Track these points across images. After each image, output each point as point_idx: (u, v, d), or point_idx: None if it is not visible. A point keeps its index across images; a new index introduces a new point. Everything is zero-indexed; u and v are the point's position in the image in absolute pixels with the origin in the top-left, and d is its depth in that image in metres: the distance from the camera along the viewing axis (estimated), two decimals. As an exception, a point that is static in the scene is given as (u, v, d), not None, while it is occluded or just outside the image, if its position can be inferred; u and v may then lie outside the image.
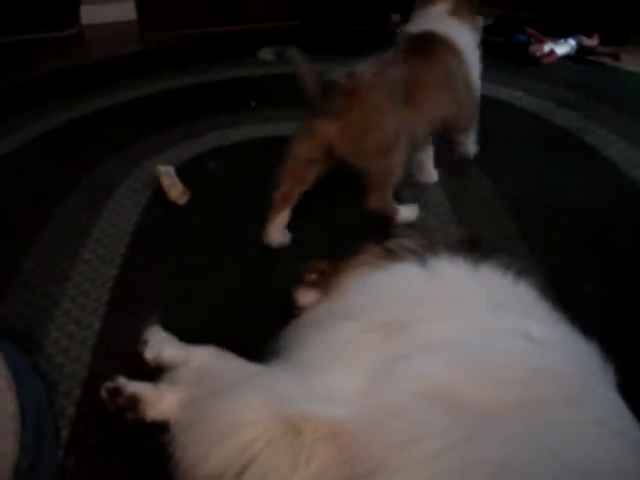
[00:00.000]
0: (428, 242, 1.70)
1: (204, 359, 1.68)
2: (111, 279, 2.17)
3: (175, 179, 2.59)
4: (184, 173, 2.69)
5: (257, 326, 1.91)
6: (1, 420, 1.47)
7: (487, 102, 3.39)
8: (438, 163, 2.74)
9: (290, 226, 2.37)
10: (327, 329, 1.51)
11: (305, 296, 1.85)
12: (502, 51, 4.13)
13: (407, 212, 2.43)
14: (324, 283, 1.80)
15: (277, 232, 2.32)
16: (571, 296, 1.91)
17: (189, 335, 1.91)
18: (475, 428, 1.17)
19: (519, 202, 2.56)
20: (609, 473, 1.12)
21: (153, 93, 3.71)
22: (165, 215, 2.52)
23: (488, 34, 4.34)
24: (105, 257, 2.28)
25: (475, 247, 1.66)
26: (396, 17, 4.90)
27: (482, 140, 3.02)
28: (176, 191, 2.55)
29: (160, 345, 1.76)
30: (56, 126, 3.32)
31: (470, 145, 2.72)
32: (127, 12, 5.00)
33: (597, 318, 1.90)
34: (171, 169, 2.65)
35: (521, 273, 1.56)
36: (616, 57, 3.99)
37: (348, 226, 2.41)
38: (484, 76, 3.65)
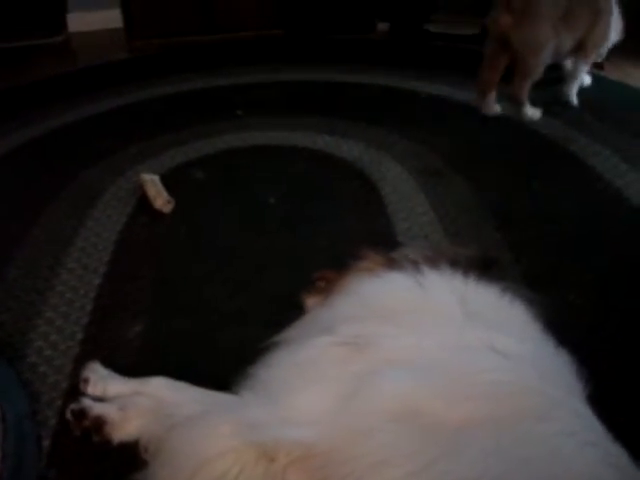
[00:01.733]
0: (433, 255, 1.70)
1: (158, 389, 1.63)
2: (95, 288, 2.16)
3: (160, 187, 2.59)
4: (169, 182, 2.68)
5: (240, 336, 1.92)
6: (-18, 430, 1.46)
7: (473, 111, 3.45)
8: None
9: (278, 239, 2.38)
10: (298, 345, 1.51)
11: (312, 302, 1.85)
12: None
13: (533, 111, 3.38)
14: (327, 289, 1.80)
15: (492, 105, 3.40)
16: (554, 305, 1.91)
17: (172, 344, 1.92)
18: (445, 447, 1.17)
19: (503, 211, 2.57)
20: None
21: (138, 101, 3.71)
22: (150, 224, 2.51)
23: (475, 43, 4.41)
24: (89, 266, 2.27)
25: (487, 267, 1.66)
26: (382, 25, 4.92)
27: (467, 149, 3.06)
28: (161, 200, 2.54)
29: (104, 381, 1.71)
30: (41, 134, 3.31)
31: (575, 86, 3.56)
32: (114, 20, 4.98)
33: (579, 326, 1.90)
34: (156, 177, 2.64)
35: (509, 288, 1.56)
36: (600, 66, 4.01)
37: (344, 240, 2.38)
38: (470, 86, 3.70)
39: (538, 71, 3.29)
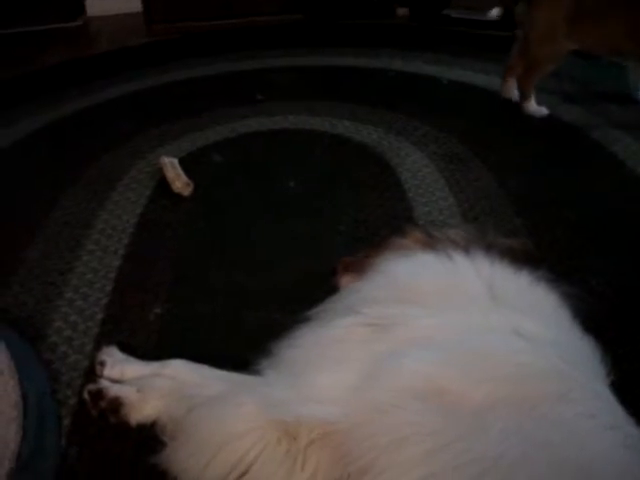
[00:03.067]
0: (471, 239, 1.70)
1: (179, 371, 1.64)
2: (115, 270, 2.17)
3: (179, 170, 2.59)
4: (188, 165, 2.69)
5: (259, 317, 1.93)
6: (3, 408, 1.47)
7: (493, 96, 3.43)
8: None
9: (298, 222, 2.38)
10: (322, 326, 1.51)
11: (346, 280, 1.84)
12: (509, 46, 4.10)
13: (536, 108, 3.23)
14: (363, 264, 1.78)
15: (511, 90, 3.36)
16: (575, 291, 1.90)
17: (192, 327, 1.93)
18: (466, 427, 1.17)
19: (523, 197, 2.55)
20: (601, 466, 1.12)
21: (158, 85, 3.71)
22: (169, 206, 2.52)
23: (495, 29, 4.38)
24: (109, 248, 2.28)
25: (529, 260, 1.64)
26: (402, 10, 4.89)
27: (487, 135, 3.04)
28: (180, 183, 2.54)
29: (121, 364, 1.71)
30: (60, 117, 3.32)
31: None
32: (132, 4, 4.97)
33: (600, 312, 1.89)
34: (175, 160, 2.64)
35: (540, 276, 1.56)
36: (620, 54, 3.97)
37: (363, 224, 2.40)
38: (490, 71, 3.68)
39: (547, 65, 3.20)
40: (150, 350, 1.82)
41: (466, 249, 1.62)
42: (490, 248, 1.63)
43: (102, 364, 1.71)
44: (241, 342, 1.79)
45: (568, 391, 1.24)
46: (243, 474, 1.29)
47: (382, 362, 1.32)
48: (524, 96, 3.25)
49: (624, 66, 3.74)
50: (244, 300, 2.03)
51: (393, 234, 1.84)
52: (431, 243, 1.70)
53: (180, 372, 1.63)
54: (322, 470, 1.26)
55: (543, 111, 3.24)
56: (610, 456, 1.15)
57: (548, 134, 3.11)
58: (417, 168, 2.76)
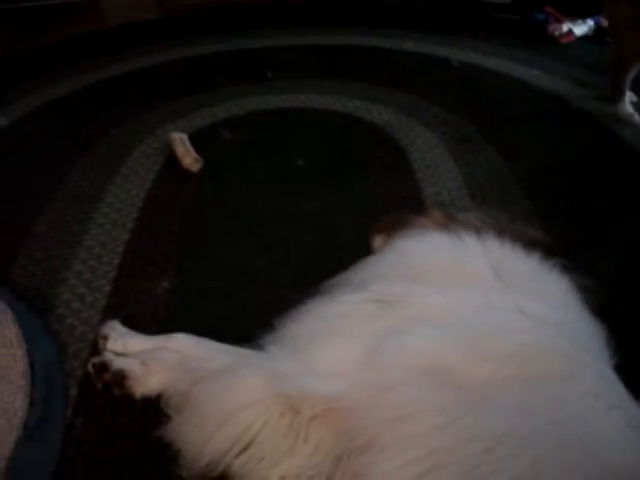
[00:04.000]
0: (492, 222, 1.72)
1: (183, 345, 1.64)
2: (123, 243, 2.18)
3: (189, 146, 2.59)
4: (198, 141, 2.68)
5: (268, 295, 1.93)
6: (11, 377, 1.48)
7: (504, 80, 3.43)
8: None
9: (306, 200, 2.40)
10: (328, 301, 1.52)
11: (375, 239, 1.88)
12: (520, 30, 4.10)
13: (627, 112, 3.03)
14: (395, 226, 1.82)
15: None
16: (582, 274, 1.90)
17: (199, 302, 1.93)
18: (471, 404, 1.18)
19: (533, 180, 2.54)
20: (605, 445, 1.13)
21: (169, 61, 3.71)
22: (178, 182, 2.52)
23: (507, 12, 4.36)
24: (117, 221, 2.29)
25: (543, 248, 1.65)
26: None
27: (498, 117, 3.03)
28: (189, 158, 2.55)
29: (125, 338, 1.72)
30: (71, 91, 3.34)
31: None
32: (144, -20, 4.97)
33: (606, 296, 1.89)
34: (185, 136, 2.64)
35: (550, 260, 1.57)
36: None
37: (372, 203, 2.39)
38: (501, 54, 3.67)
39: (633, 62, 2.96)
40: (157, 323, 1.83)
41: (478, 232, 1.63)
42: (503, 232, 1.64)
43: (105, 338, 1.71)
44: (247, 318, 1.79)
45: (573, 371, 1.25)
46: (246, 446, 1.30)
47: (387, 338, 1.33)
48: (614, 96, 3.06)
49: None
50: (251, 276, 2.03)
51: (415, 212, 1.87)
52: (447, 224, 1.72)
53: (184, 345, 1.64)
54: (324, 445, 1.27)
55: (635, 118, 3.02)
56: (614, 435, 1.16)
57: (559, 118, 3.09)
58: (427, 149, 2.75)
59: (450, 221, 1.75)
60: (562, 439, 1.12)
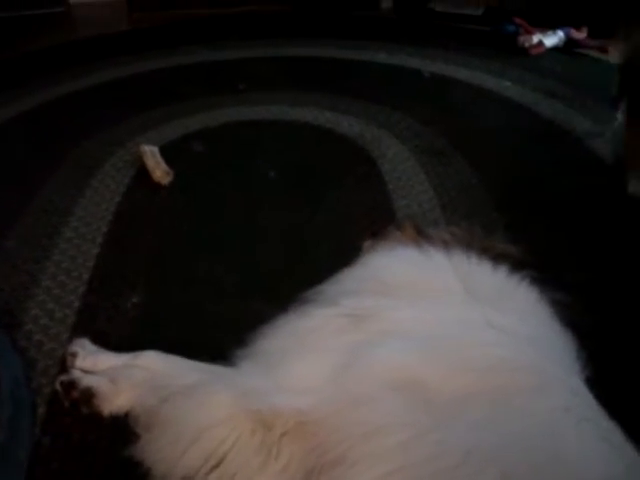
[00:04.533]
0: (464, 237, 1.72)
1: (152, 362, 1.63)
2: (93, 258, 2.16)
3: (159, 159, 2.58)
4: (169, 154, 2.67)
5: (238, 309, 1.91)
6: (-22, 394, 1.46)
7: (475, 91, 3.45)
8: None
9: (277, 213, 2.39)
10: (300, 316, 1.52)
11: (365, 243, 1.88)
12: (491, 41, 4.13)
13: None
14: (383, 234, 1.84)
15: None
16: (552, 286, 1.91)
17: (170, 316, 1.92)
18: (440, 418, 1.18)
19: (503, 192, 2.55)
20: (575, 458, 1.13)
21: (140, 73, 3.70)
22: (148, 195, 2.50)
23: (477, 24, 4.40)
24: (87, 235, 2.26)
25: (516, 264, 1.65)
26: (386, 3, 4.89)
27: (469, 129, 3.05)
28: (160, 171, 2.53)
29: (94, 355, 1.70)
30: (42, 103, 3.31)
31: None
32: (116, -9, 4.95)
33: (575, 307, 1.89)
34: (155, 149, 2.63)
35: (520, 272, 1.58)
36: (604, 50, 3.98)
37: (343, 216, 2.40)
38: (473, 65, 3.69)
39: None
40: (127, 339, 1.81)
41: (447, 246, 1.64)
42: (471, 246, 1.65)
43: (74, 355, 1.69)
44: (218, 332, 1.78)
45: (542, 384, 1.26)
46: (218, 464, 1.29)
47: (358, 352, 1.33)
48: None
49: (607, 62, 3.78)
50: (222, 290, 2.02)
51: (393, 226, 1.89)
52: (418, 239, 1.72)
53: (153, 362, 1.62)
54: (296, 461, 1.26)
55: None
56: (584, 448, 1.15)
57: (530, 130, 3.11)
58: (398, 161, 2.76)
59: (421, 235, 1.76)
60: (531, 453, 1.12)
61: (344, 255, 1.81)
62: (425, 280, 1.53)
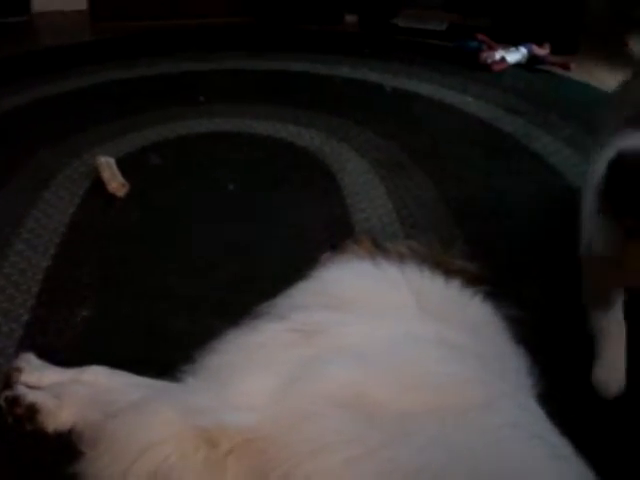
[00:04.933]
0: (422, 251, 1.70)
1: (98, 377, 1.60)
2: (43, 271, 2.11)
3: (115, 170, 2.54)
4: (126, 165, 2.63)
5: (189, 322, 1.89)
6: None
7: (436, 106, 3.45)
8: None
9: (235, 226, 2.36)
10: (249, 331, 1.48)
11: (323, 255, 1.85)
12: (453, 57, 4.15)
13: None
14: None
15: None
16: (509, 300, 1.90)
17: (120, 331, 1.89)
18: (389, 435, 1.15)
19: (463, 206, 2.55)
20: (523, 475, 1.12)
21: (100, 83, 3.65)
22: (103, 207, 2.46)
23: (440, 39, 4.42)
24: (38, 248, 2.21)
25: (471, 279, 1.63)
26: (351, 17, 4.89)
27: (430, 144, 3.05)
28: (115, 183, 2.49)
29: (39, 370, 1.65)
30: (1, 112, 3.24)
31: None
32: (78, 1, 4.90)
33: (532, 322, 1.89)
34: (112, 160, 2.59)
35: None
36: (566, 67, 4.03)
37: (301, 229, 2.39)
38: (435, 80, 3.70)
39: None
40: (76, 354, 1.77)
41: (401, 260, 1.62)
42: (425, 260, 1.63)
43: (19, 370, 1.64)
44: (168, 347, 1.75)
45: (492, 401, 1.24)
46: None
47: (304, 368, 1.31)
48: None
49: (568, 79, 3.81)
50: (175, 304, 1.99)
51: (351, 239, 1.86)
52: (375, 253, 1.70)
53: (99, 378, 1.59)
54: (242, 479, 1.23)
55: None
56: (533, 465, 1.14)
57: (490, 145, 3.12)
58: (358, 174, 2.75)
59: (378, 249, 1.74)
60: (479, 470, 1.10)
61: (301, 269, 1.78)
62: (377, 294, 1.51)
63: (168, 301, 2.00)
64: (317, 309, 1.49)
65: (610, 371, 1.79)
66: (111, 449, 1.31)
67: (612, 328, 1.88)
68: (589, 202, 1.81)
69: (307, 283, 1.67)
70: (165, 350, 1.73)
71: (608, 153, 1.62)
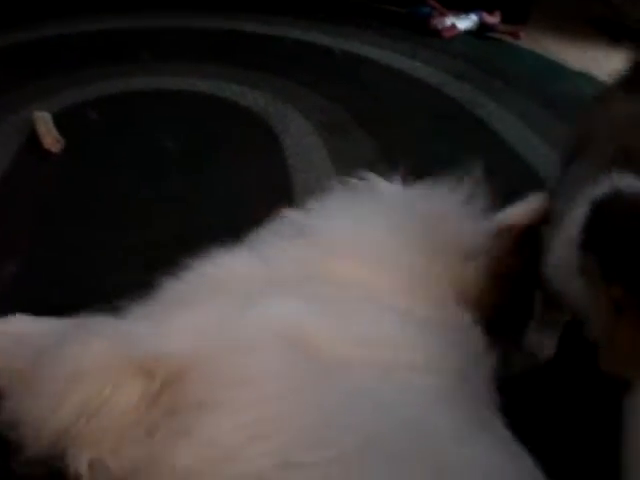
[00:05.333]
0: None
1: (22, 325, 1.56)
2: (-29, 225, 2.06)
3: (51, 126, 2.48)
4: (63, 121, 2.57)
5: (125, 276, 1.85)
6: None
7: (385, 71, 3.43)
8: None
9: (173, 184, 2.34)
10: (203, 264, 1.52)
11: None
12: (404, 22, 4.12)
13: None
14: None
15: None
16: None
17: (47, 284, 1.85)
18: (315, 379, 1.18)
19: (406, 170, 2.53)
20: (443, 437, 1.14)
21: (42, 38, 3.53)
22: (37, 162, 2.40)
23: (393, 4, 4.38)
24: (-33, 202, 2.16)
25: None
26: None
27: (376, 108, 3.02)
28: (50, 138, 2.43)
29: None
30: None
31: None
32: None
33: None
34: (47, 115, 2.53)
35: None
36: (516, 36, 4.02)
37: (240, 189, 2.36)
38: (385, 45, 3.67)
39: None
40: (2, 307, 1.72)
41: None
42: None
43: None
44: (97, 302, 1.71)
45: (425, 363, 1.27)
46: (93, 415, 1.19)
47: (255, 302, 1.32)
48: None
49: (518, 47, 3.82)
50: (107, 260, 1.96)
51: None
52: None
53: (22, 325, 1.55)
54: (172, 407, 1.20)
55: None
56: (451, 426, 1.17)
57: (436, 110, 3.10)
58: (300, 136, 2.72)
59: None
60: (399, 423, 1.13)
61: (237, 228, 1.76)
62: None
63: (100, 256, 1.97)
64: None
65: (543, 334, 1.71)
66: (39, 386, 1.26)
67: None
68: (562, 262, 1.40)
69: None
70: (95, 305, 1.69)
71: (589, 200, 1.27)
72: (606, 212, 1.22)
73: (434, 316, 1.43)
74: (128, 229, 2.10)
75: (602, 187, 1.29)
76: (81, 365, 1.22)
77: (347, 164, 2.52)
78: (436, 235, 1.65)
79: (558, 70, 3.69)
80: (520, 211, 1.81)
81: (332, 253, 1.53)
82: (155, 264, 1.79)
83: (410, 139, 2.81)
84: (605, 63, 3.61)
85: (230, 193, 2.31)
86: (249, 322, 1.27)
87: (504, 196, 2.39)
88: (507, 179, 2.54)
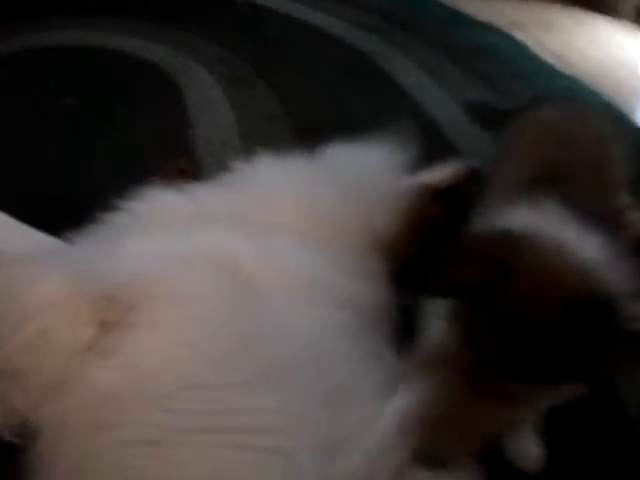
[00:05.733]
0: None
1: None
2: None
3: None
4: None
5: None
6: None
7: (288, 22, 3.39)
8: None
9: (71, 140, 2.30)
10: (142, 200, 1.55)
11: None
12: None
13: None
14: None
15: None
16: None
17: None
18: (244, 304, 1.23)
19: (307, 124, 2.53)
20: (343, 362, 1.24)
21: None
22: None
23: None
24: None
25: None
26: None
27: (278, 59, 3.00)
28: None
29: None
30: None
31: None
32: None
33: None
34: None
35: None
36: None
37: (141, 143, 2.33)
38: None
39: None
40: None
41: None
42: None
43: None
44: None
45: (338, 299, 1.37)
46: (45, 351, 1.17)
47: (194, 229, 1.39)
48: None
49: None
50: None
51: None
52: (182, 176, 1.82)
53: None
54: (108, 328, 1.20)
55: None
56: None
57: (341, 61, 3.10)
58: (203, 88, 2.69)
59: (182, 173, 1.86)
60: (304, 353, 1.21)
61: (136, 182, 1.73)
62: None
63: None
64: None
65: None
66: None
67: None
68: None
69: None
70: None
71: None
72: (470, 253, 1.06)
73: (351, 263, 1.49)
74: (26, 189, 2.05)
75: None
76: (34, 297, 1.19)
77: (248, 117, 2.52)
78: (359, 188, 1.71)
79: (463, 20, 3.71)
80: (441, 174, 1.86)
81: (259, 198, 1.58)
82: (51, 225, 1.77)
83: (313, 91, 2.79)
84: (509, 14, 3.67)
85: (130, 148, 2.27)
86: (186, 247, 1.31)
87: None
88: (411, 132, 2.58)
